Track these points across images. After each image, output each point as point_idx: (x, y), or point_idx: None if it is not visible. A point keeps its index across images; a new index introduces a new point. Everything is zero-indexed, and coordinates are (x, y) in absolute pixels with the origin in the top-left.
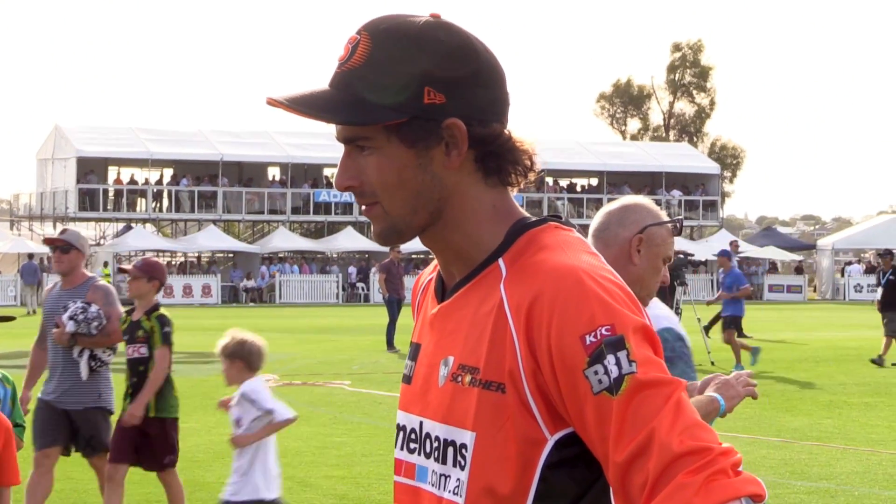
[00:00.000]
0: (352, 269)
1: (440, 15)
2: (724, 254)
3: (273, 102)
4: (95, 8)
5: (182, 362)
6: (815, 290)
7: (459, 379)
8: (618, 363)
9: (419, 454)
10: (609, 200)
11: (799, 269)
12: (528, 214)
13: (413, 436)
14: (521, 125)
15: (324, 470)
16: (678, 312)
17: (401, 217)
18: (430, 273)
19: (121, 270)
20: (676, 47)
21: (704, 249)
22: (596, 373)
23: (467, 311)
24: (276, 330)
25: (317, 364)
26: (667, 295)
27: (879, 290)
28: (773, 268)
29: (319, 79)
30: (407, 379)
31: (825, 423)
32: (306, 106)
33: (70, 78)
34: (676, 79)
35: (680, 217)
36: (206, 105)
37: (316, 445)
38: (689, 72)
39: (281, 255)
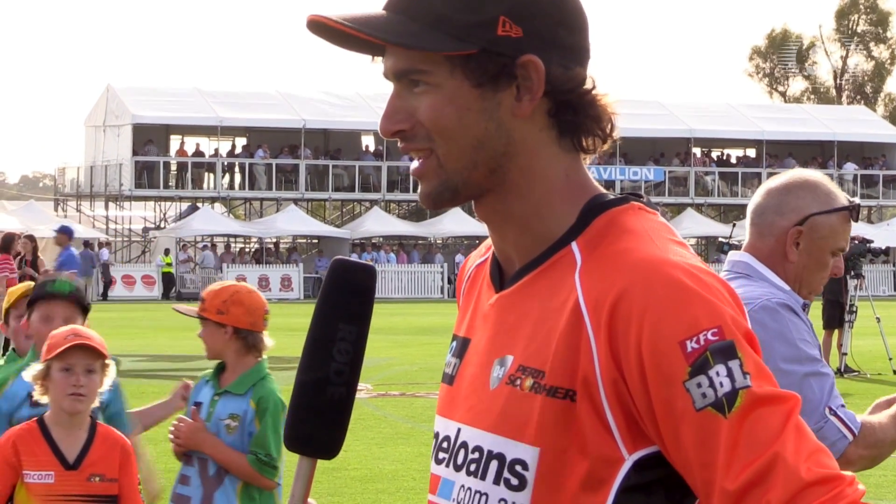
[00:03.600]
0: (459, 258)
1: None
2: None
3: (318, 19)
4: None
5: None
6: None
7: (518, 382)
8: (730, 374)
9: (447, 465)
10: (769, 176)
11: None
12: (604, 191)
13: (445, 444)
14: (658, 88)
15: (426, 497)
16: (853, 311)
17: (457, 171)
18: (480, 255)
19: None
20: None
21: (885, 235)
22: (699, 385)
23: (532, 304)
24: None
25: (418, 371)
26: (842, 289)
27: None
28: None
29: None
30: (448, 379)
31: None
32: (358, 23)
33: (125, 32)
34: (849, 27)
35: (856, 201)
36: (286, 63)
37: (417, 468)
38: (864, 18)
39: (375, 241)
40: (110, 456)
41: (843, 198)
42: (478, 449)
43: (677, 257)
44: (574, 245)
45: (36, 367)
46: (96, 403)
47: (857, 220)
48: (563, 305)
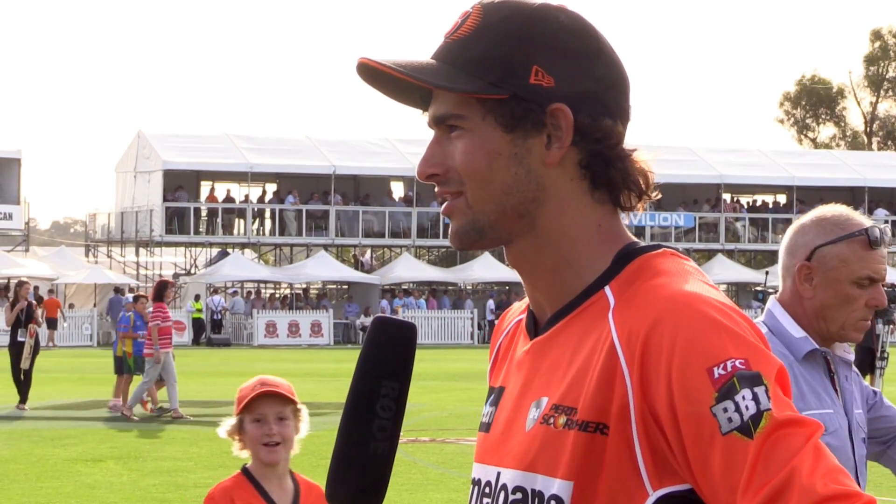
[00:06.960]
0: (490, 304)
1: (566, 7)
2: None
3: (366, 62)
4: (184, 1)
5: None
6: None
7: (552, 421)
8: (755, 398)
9: None
10: None
11: None
12: (637, 239)
13: (487, 489)
14: (688, 134)
15: None
16: (884, 357)
17: (484, 214)
18: (519, 312)
19: None
20: (876, 35)
21: None
22: (725, 410)
23: (567, 347)
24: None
25: (448, 417)
26: (872, 335)
27: None
28: None
29: None
30: (485, 427)
31: None
32: (402, 67)
33: (156, 78)
34: (878, 73)
35: (873, 224)
36: (316, 109)
37: None
38: (893, 64)
39: (405, 287)
40: None
41: (856, 225)
42: (519, 489)
43: (708, 294)
44: (607, 289)
45: (229, 423)
46: (296, 450)
47: (877, 245)
48: (599, 345)
